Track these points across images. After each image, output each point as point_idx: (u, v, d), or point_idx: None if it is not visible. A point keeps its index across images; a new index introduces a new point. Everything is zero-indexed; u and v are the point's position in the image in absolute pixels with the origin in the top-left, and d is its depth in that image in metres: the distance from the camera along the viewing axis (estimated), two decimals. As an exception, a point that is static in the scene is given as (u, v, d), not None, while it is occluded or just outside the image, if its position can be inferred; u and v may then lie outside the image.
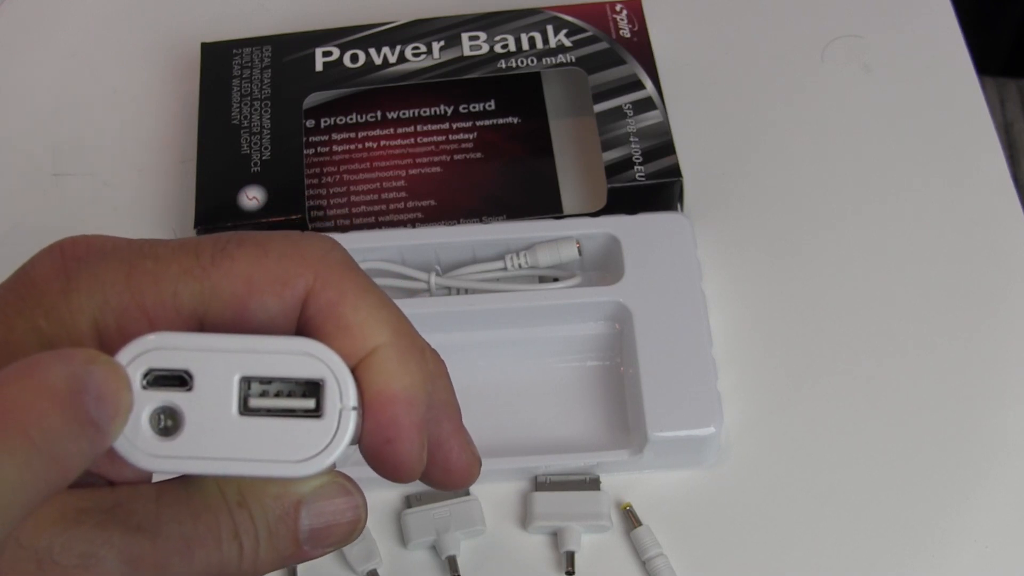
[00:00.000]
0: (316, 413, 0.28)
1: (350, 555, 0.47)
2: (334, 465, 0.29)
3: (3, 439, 0.24)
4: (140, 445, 0.27)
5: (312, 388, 0.28)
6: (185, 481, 0.29)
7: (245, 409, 0.28)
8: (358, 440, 0.29)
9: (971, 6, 0.72)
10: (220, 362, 0.28)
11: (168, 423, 0.27)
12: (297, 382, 0.28)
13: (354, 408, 0.28)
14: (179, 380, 0.28)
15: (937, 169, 0.58)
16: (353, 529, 0.30)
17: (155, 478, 0.29)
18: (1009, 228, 0.56)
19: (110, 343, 0.28)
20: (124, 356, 0.27)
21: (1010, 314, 0.53)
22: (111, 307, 0.28)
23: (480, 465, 0.33)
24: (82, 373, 0.25)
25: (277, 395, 0.28)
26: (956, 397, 0.51)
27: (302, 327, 0.29)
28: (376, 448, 0.29)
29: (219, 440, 0.27)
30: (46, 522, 0.26)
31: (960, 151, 0.58)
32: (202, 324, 0.29)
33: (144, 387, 0.27)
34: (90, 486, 0.28)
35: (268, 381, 0.28)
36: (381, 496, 0.49)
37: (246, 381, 0.28)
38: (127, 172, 0.60)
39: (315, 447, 0.28)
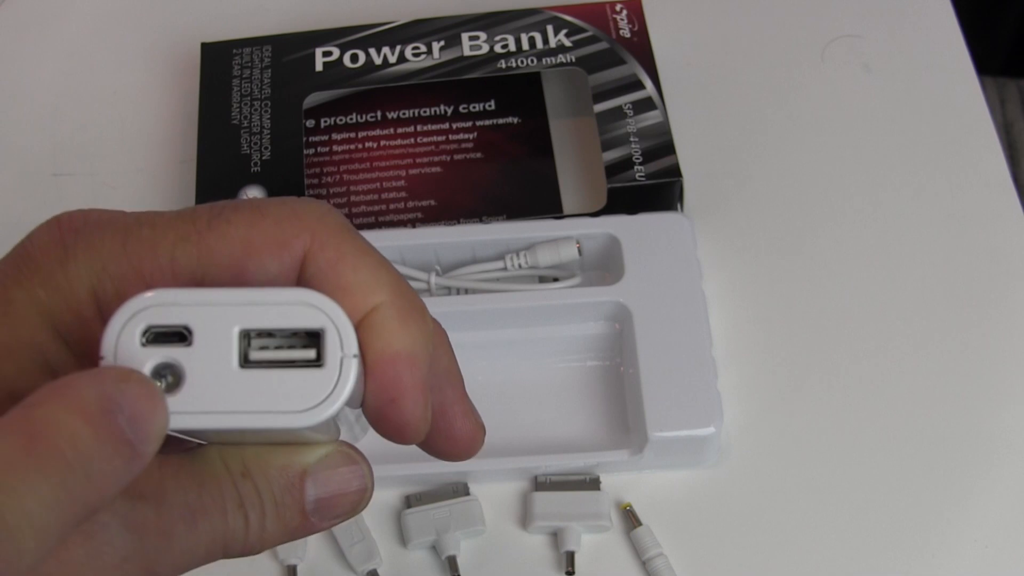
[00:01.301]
0: (317, 363, 0.27)
1: (350, 555, 0.47)
2: (336, 422, 0.28)
3: (37, 459, 0.23)
4: None
5: (312, 338, 0.28)
6: (189, 451, 0.29)
7: (246, 362, 0.27)
8: (361, 400, 0.28)
9: (971, 6, 0.72)
10: (219, 315, 0.27)
11: (169, 379, 0.27)
12: (297, 333, 0.28)
13: (355, 356, 0.27)
14: (178, 336, 0.27)
15: (937, 169, 0.57)
16: (360, 499, 0.30)
17: None
18: (1009, 228, 0.56)
19: (109, 310, 0.27)
20: (122, 314, 0.27)
21: (1010, 314, 0.53)
22: (109, 274, 0.28)
23: (484, 433, 0.33)
24: (113, 392, 0.24)
25: (277, 347, 0.28)
26: (956, 397, 0.51)
27: None
28: (380, 408, 0.28)
29: (220, 393, 0.27)
30: None
31: (960, 151, 0.58)
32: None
33: (143, 344, 0.27)
34: None
35: (268, 333, 0.28)
36: (381, 496, 0.49)
37: (246, 333, 0.27)
38: (127, 172, 0.60)
39: (317, 396, 0.27)
